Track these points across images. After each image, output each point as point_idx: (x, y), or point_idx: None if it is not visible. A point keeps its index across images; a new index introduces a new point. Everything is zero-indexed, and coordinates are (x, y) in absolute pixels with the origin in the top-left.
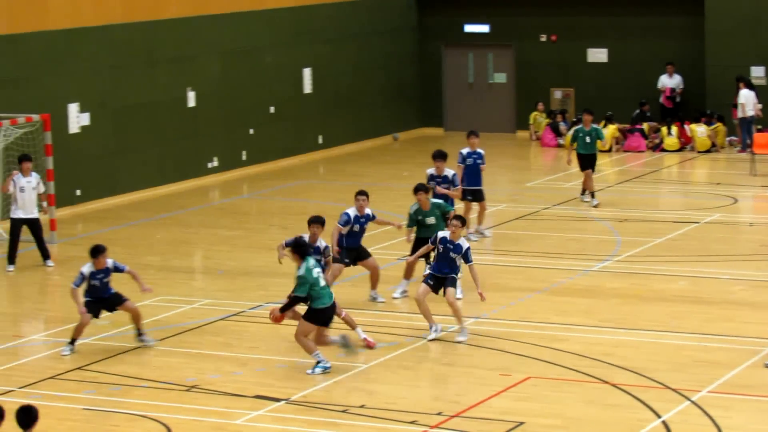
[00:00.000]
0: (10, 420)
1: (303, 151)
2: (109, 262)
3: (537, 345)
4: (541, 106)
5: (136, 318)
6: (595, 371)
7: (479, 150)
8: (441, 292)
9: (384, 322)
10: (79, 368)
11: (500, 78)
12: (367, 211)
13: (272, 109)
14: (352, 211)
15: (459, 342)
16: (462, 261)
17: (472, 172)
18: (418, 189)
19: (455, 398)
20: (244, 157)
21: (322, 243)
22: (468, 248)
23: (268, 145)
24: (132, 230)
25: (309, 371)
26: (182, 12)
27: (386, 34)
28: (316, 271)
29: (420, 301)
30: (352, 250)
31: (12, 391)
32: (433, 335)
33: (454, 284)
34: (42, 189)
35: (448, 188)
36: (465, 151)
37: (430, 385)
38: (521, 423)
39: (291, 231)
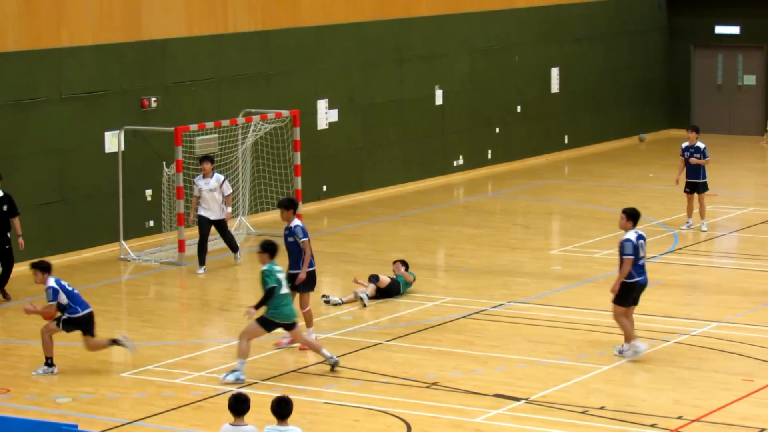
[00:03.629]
0: (257, 411)
1: (548, 151)
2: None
3: None
4: None
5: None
6: None
7: (698, 144)
8: None
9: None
10: (322, 362)
11: (749, 80)
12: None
13: (519, 108)
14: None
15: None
16: None
17: (691, 166)
18: None
19: (696, 402)
20: (489, 156)
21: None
22: None
23: (513, 144)
24: (377, 227)
25: (221, 377)
26: (433, 10)
27: (635, 34)
28: (281, 276)
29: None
30: None
31: (255, 383)
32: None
33: None
34: (228, 191)
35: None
36: (684, 145)
37: (671, 388)
38: (762, 429)
39: (534, 230)
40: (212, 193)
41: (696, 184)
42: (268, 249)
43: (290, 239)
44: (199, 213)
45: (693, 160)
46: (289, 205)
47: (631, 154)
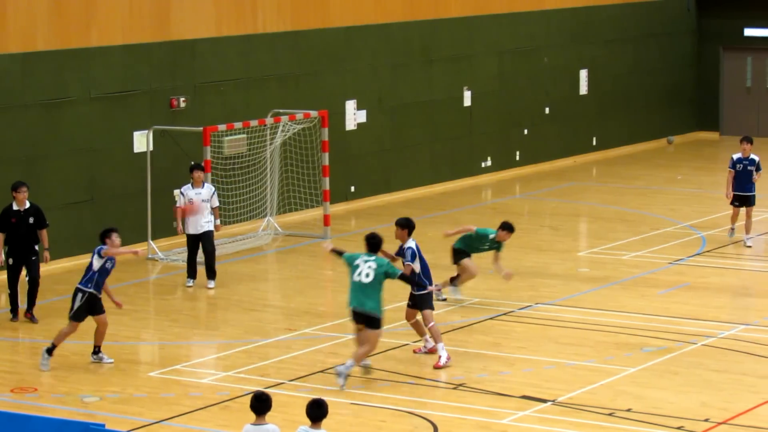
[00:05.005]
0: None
1: (576, 153)
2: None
3: None
4: None
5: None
6: None
7: (752, 156)
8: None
9: (653, 326)
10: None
11: None
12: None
13: (547, 110)
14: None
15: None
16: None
17: (742, 178)
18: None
19: (724, 405)
20: (517, 157)
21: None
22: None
23: (541, 146)
24: None
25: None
26: (462, 11)
27: (664, 36)
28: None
29: None
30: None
31: (282, 383)
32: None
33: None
34: (216, 203)
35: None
36: (736, 156)
37: (699, 390)
38: None
39: (562, 232)
40: (203, 203)
41: (747, 198)
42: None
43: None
44: (187, 224)
45: (755, 177)
46: (405, 225)
47: (659, 156)
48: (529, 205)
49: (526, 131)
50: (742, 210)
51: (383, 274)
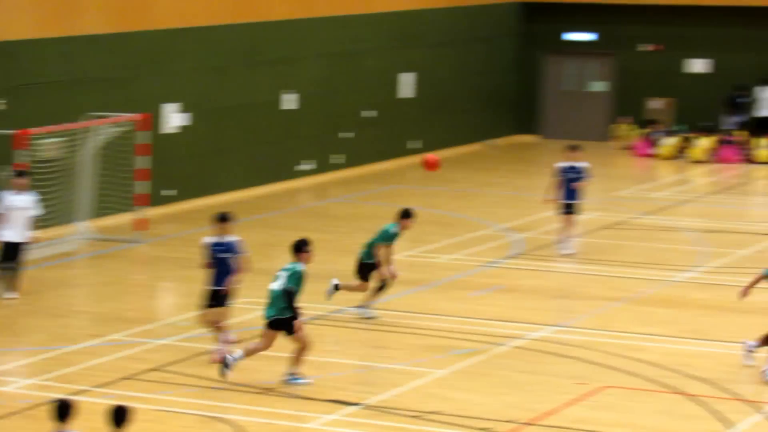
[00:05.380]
0: (86, 418)
1: (399, 155)
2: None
3: (616, 354)
4: (627, 118)
5: None
6: (671, 382)
7: (579, 164)
8: None
9: (464, 329)
10: (155, 369)
11: (599, 86)
12: None
13: (370, 113)
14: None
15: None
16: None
17: (569, 187)
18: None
19: (530, 406)
20: (338, 160)
21: None
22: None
23: (364, 149)
24: None
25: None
26: (289, 14)
27: (488, 40)
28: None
29: None
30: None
31: (87, 390)
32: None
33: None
34: (36, 212)
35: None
36: (562, 164)
37: (506, 392)
38: None
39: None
40: (22, 211)
41: (574, 206)
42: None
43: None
44: (3, 232)
45: (579, 185)
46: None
47: (479, 159)
48: (349, 208)
49: (348, 134)
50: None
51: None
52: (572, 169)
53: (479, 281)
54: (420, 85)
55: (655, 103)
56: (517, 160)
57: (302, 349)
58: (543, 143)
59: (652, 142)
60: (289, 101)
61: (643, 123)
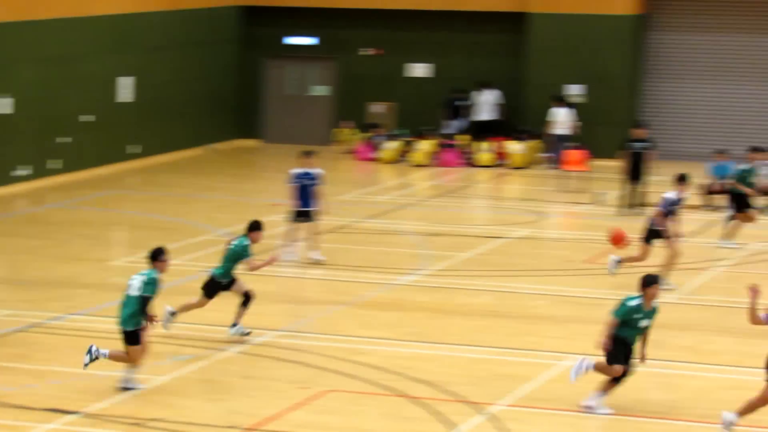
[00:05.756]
0: None
1: (118, 160)
2: None
3: (338, 358)
4: (349, 123)
5: None
6: (394, 384)
7: (313, 170)
8: None
9: (186, 334)
10: None
11: (322, 90)
12: None
13: (88, 118)
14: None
15: None
16: None
17: (304, 193)
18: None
19: (252, 411)
20: (55, 166)
21: None
22: None
23: (83, 154)
24: None
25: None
26: (1, 17)
27: (208, 44)
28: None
29: None
30: None
31: None
32: None
33: None
34: None
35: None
36: (296, 171)
37: (228, 398)
38: None
39: (97, 241)
40: None
41: (310, 213)
42: None
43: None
44: None
45: (313, 191)
46: None
47: (200, 163)
48: (65, 214)
49: (66, 139)
50: (306, 225)
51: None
52: (307, 175)
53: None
54: (139, 89)
55: (377, 108)
56: (238, 164)
57: (130, 359)
58: (265, 147)
59: (374, 147)
60: (3, 105)
61: (365, 127)
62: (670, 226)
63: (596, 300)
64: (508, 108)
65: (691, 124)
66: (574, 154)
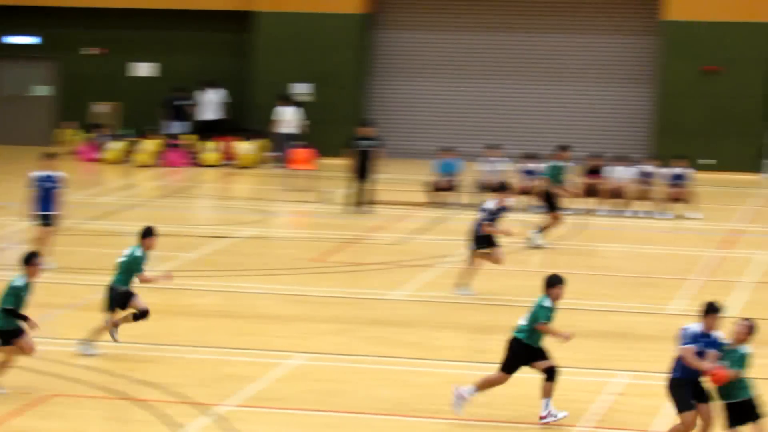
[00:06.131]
0: None
1: None
2: None
3: (60, 362)
4: (72, 123)
5: None
6: (118, 387)
7: (54, 173)
8: None
9: None
10: None
11: (43, 91)
12: None
13: None
14: None
15: None
16: None
17: (46, 197)
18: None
19: None
20: None
21: None
22: None
23: None
24: None
25: None
26: None
27: None
28: None
29: None
30: None
31: None
32: None
33: None
34: None
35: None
36: (36, 174)
37: None
38: None
39: None
40: None
41: (51, 217)
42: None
43: None
44: None
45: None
46: None
47: None
48: None
49: None
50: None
51: None
52: (49, 178)
53: None
54: None
55: (101, 107)
56: None
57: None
58: None
59: (98, 147)
60: None
61: (89, 127)
62: (496, 232)
63: (324, 298)
64: (234, 107)
65: (418, 122)
66: (300, 153)
